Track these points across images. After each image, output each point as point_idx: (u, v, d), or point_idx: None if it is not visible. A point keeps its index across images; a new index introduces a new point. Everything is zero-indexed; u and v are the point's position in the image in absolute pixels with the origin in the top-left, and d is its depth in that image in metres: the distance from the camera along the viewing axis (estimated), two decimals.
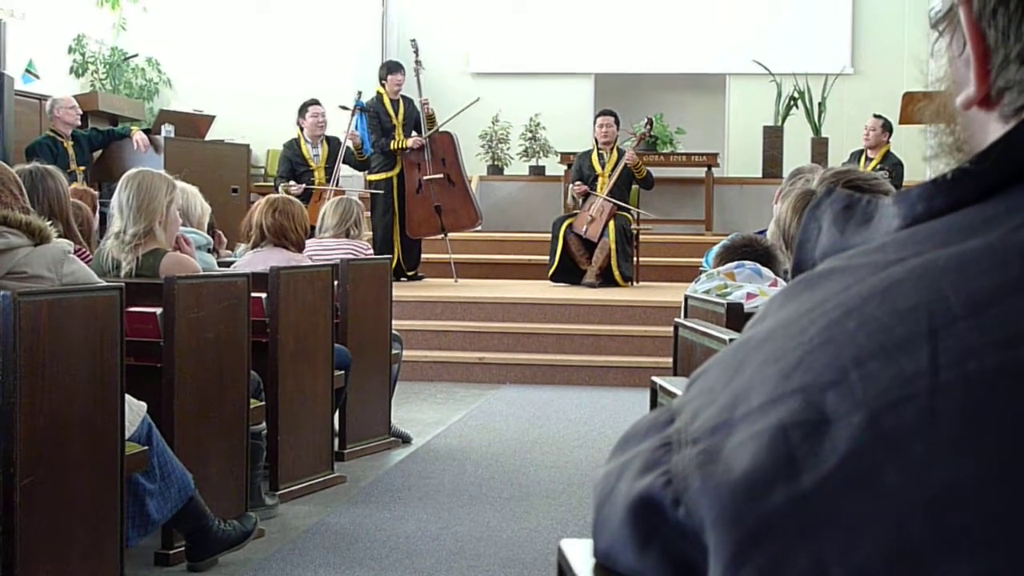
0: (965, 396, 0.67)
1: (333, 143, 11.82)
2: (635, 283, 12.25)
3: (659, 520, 0.76)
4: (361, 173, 12.75)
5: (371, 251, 7.85)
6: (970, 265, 0.72)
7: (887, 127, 12.48)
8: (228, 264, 6.87)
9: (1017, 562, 0.63)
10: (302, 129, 11.74)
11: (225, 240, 8.00)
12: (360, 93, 12.32)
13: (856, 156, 12.55)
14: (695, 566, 0.74)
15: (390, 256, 10.45)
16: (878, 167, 11.87)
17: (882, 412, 0.68)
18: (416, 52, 12.70)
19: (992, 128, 0.80)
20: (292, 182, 11.44)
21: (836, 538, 0.67)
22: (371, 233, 12.10)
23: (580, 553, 0.95)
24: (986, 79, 0.79)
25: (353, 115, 12.08)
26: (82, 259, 4.60)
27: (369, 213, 12.34)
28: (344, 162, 11.90)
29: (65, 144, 10.95)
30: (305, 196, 11.09)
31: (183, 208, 6.15)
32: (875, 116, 12.64)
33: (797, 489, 0.69)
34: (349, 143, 11.88)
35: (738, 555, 0.69)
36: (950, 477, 0.65)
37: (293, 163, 11.65)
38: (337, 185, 11.58)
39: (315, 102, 11.77)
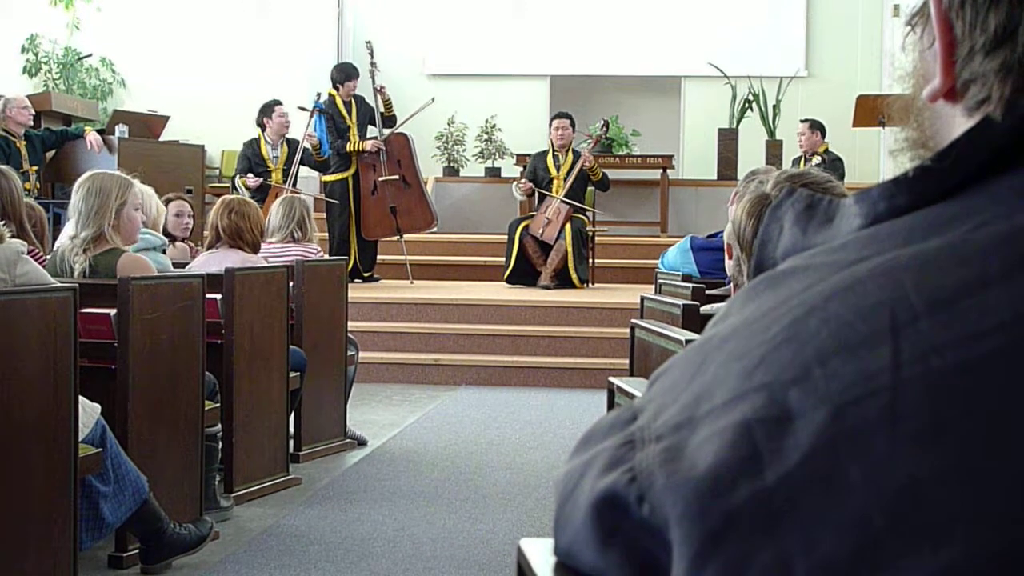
0: (927, 392, 0.67)
1: (293, 145, 11.82)
2: (591, 285, 12.28)
3: (622, 517, 0.76)
4: (319, 174, 12.75)
5: (321, 254, 7.77)
6: (931, 264, 0.72)
7: (816, 127, 12.68)
8: (182, 265, 6.84)
9: (976, 557, 0.63)
10: (264, 129, 11.72)
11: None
12: (319, 95, 12.30)
13: (797, 162, 12.68)
14: (658, 563, 0.74)
15: (346, 257, 10.43)
16: (816, 163, 11.99)
17: (845, 408, 0.68)
18: (371, 54, 12.67)
19: (957, 122, 0.81)
20: (250, 174, 11.43)
21: (800, 533, 0.67)
22: (325, 235, 12.08)
23: (540, 552, 0.95)
24: (951, 71, 0.80)
25: (311, 116, 12.05)
26: (36, 260, 4.57)
27: (326, 215, 12.34)
28: (303, 163, 11.89)
29: (18, 144, 10.87)
30: (261, 195, 11.07)
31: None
32: (801, 121, 12.82)
33: (761, 485, 0.69)
34: (307, 144, 11.85)
35: (702, 551, 0.70)
36: (912, 472, 0.66)
37: (252, 162, 11.63)
38: (294, 186, 11.55)
39: (279, 102, 11.78)
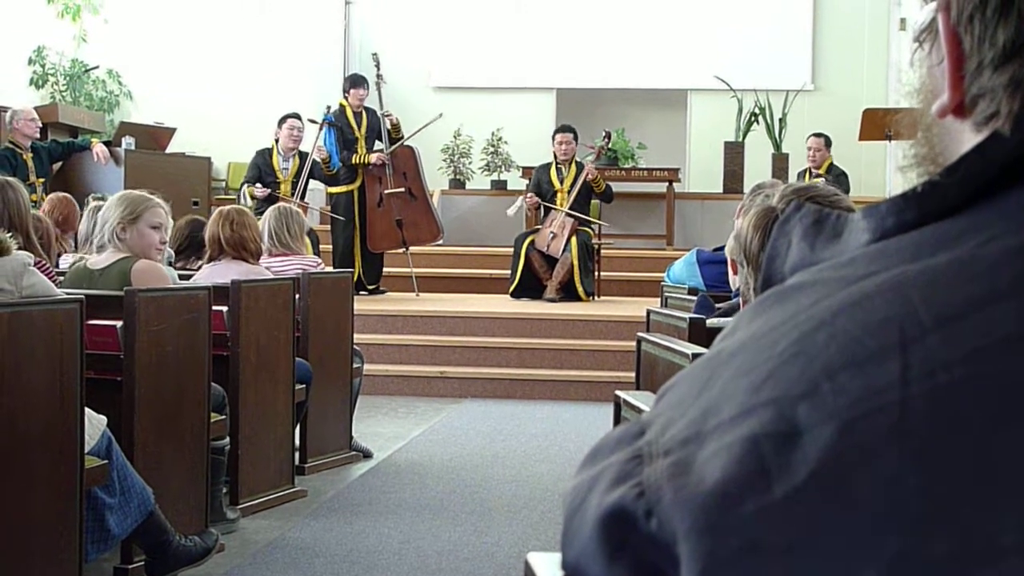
0: (935, 408, 0.67)
1: (304, 158, 11.81)
2: (596, 298, 12.27)
3: (630, 531, 0.75)
4: (325, 186, 12.77)
5: (321, 267, 7.70)
6: (940, 279, 0.72)
7: (828, 143, 12.70)
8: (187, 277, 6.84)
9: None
10: (277, 140, 11.73)
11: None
12: (329, 107, 12.31)
13: (801, 175, 12.69)
14: None
15: (351, 270, 10.43)
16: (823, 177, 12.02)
17: (853, 423, 0.68)
18: (377, 66, 12.69)
19: (966, 138, 0.81)
20: (258, 184, 11.44)
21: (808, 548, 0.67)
22: (329, 247, 12.10)
23: (547, 566, 0.95)
24: (960, 85, 0.80)
25: (321, 129, 12.05)
26: (43, 272, 4.58)
27: (331, 227, 12.36)
28: (313, 176, 11.88)
29: (24, 156, 10.88)
30: (266, 207, 11.06)
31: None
32: (814, 135, 12.85)
33: (769, 499, 0.69)
34: (316, 156, 11.85)
35: (710, 566, 0.70)
36: (919, 487, 0.66)
37: (262, 171, 11.64)
38: (303, 199, 11.55)
39: (295, 115, 11.78)
